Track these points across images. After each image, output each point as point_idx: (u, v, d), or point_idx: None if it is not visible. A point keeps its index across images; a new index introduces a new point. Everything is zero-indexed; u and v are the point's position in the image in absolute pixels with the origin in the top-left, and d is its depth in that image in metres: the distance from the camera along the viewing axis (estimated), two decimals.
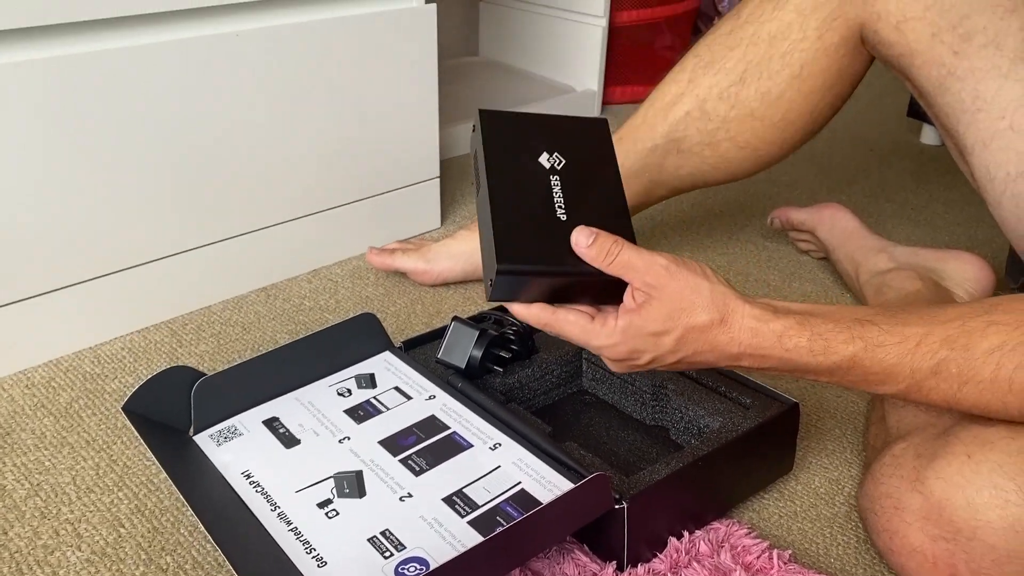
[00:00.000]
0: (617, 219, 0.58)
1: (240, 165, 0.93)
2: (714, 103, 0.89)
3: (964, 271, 0.94)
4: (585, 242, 0.55)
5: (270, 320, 0.94)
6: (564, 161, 0.60)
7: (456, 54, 1.79)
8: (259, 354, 0.72)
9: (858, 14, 0.81)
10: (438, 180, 1.14)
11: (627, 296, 0.56)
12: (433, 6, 1.03)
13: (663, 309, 0.55)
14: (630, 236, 0.57)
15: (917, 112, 1.46)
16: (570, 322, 0.57)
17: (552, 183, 0.59)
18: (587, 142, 0.62)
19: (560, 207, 0.58)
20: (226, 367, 0.70)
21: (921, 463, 0.56)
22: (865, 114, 1.70)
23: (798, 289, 1.05)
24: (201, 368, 0.69)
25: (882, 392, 0.56)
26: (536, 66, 1.72)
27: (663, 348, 0.56)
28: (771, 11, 0.85)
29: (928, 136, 1.58)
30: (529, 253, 0.55)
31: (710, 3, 2.06)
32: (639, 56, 1.72)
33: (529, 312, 0.58)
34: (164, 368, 0.67)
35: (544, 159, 0.60)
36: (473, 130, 0.62)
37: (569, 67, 1.66)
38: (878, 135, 1.61)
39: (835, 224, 1.06)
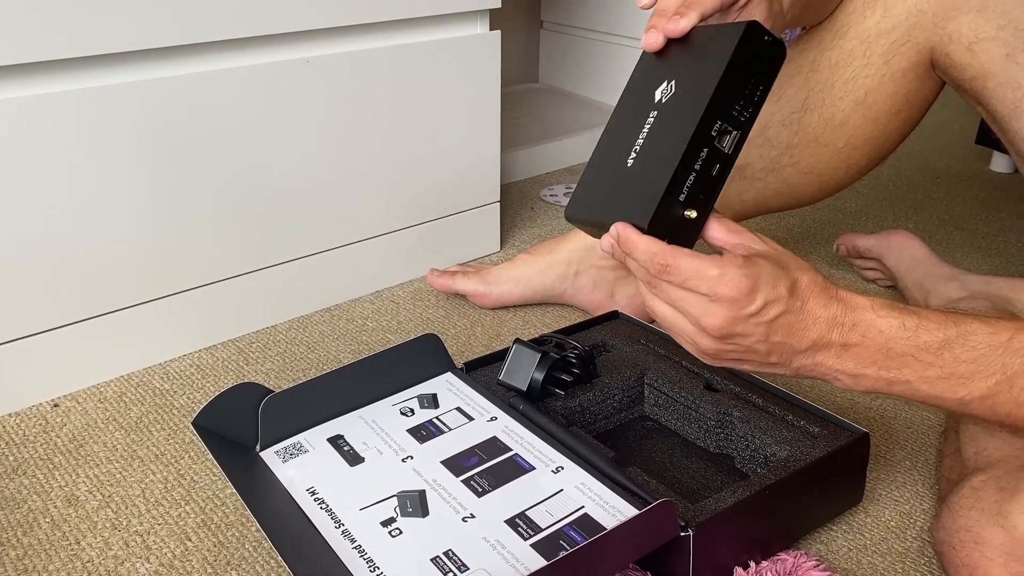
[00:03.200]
0: (658, 179, 0.50)
1: (307, 188, 0.95)
2: (776, 130, 0.88)
3: None
4: (607, 247, 0.53)
5: (334, 340, 0.95)
6: (673, 92, 0.53)
7: (516, 80, 1.81)
8: (324, 373, 0.73)
9: (928, 38, 0.80)
10: (498, 205, 1.15)
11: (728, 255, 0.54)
12: (497, 32, 1.04)
13: (770, 260, 0.53)
14: (659, 194, 0.50)
15: (987, 139, 1.43)
16: (684, 253, 0.51)
17: (648, 121, 0.53)
18: (708, 58, 0.52)
19: (635, 150, 0.52)
20: (292, 385, 0.71)
21: (1004, 496, 0.54)
22: (932, 142, 1.67)
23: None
24: (267, 386, 0.70)
25: (967, 394, 0.53)
26: (596, 92, 1.73)
27: (778, 292, 0.52)
28: (831, 39, 0.84)
29: (999, 164, 1.54)
30: (589, 201, 0.53)
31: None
32: None
33: (639, 238, 0.51)
34: (232, 385, 0.69)
35: (660, 91, 0.53)
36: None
37: None
38: (946, 163, 1.58)
39: (903, 252, 1.04)
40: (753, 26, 0.51)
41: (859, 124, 0.84)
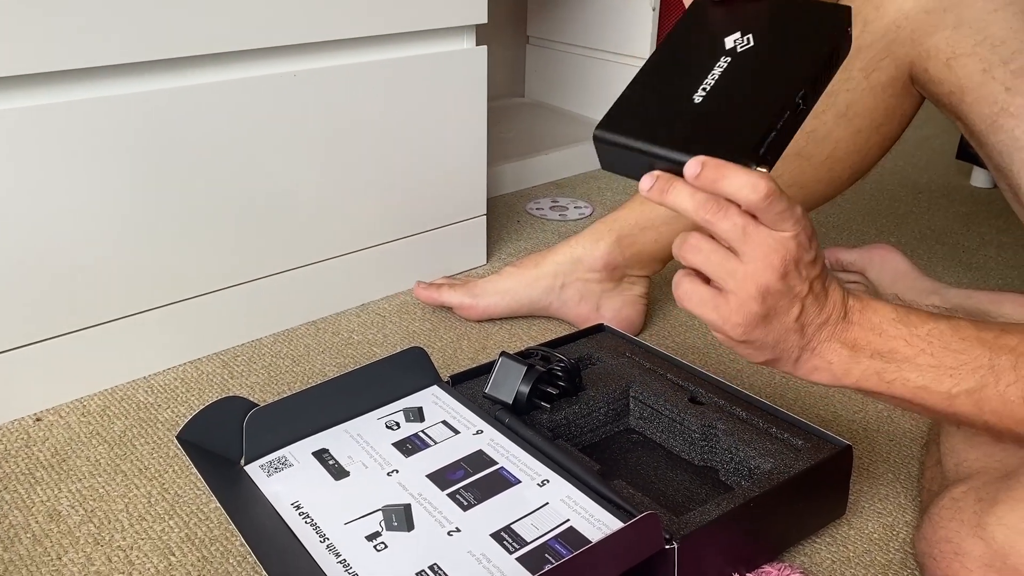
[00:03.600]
0: (753, 124, 0.50)
1: (292, 201, 0.95)
2: None
3: (1021, 315, 0.92)
4: (693, 171, 0.49)
5: (319, 353, 0.95)
6: (751, 44, 0.52)
7: (503, 95, 1.82)
8: (309, 386, 0.72)
9: (907, 53, 0.81)
10: (485, 218, 1.15)
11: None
12: (484, 48, 1.05)
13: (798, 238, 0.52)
14: (751, 148, 0.50)
15: (967, 154, 1.45)
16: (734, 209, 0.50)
17: (720, 64, 0.52)
18: (800, 30, 0.53)
19: (704, 89, 0.51)
20: (277, 399, 0.71)
21: (982, 507, 0.55)
22: (913, 157, 1.69)
23: None
24: (252, 399, 0.70)
25: (955, 385, 0.54)
26: (581, 107, 1.74)
27: (810, 255, 0.52)
28: None
29: (978, 179, 1.56)
30: (634, 126, 0.50)
31: None
32: None
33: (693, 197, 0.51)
34: (217, 398, 0.68)
35: (732, 39, 0.53)
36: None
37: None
38: (927, 178, 1.59)
39: (885, 265, 1.05)
40: (850, 14, 0.53)
41: (841, 137, 0.85)
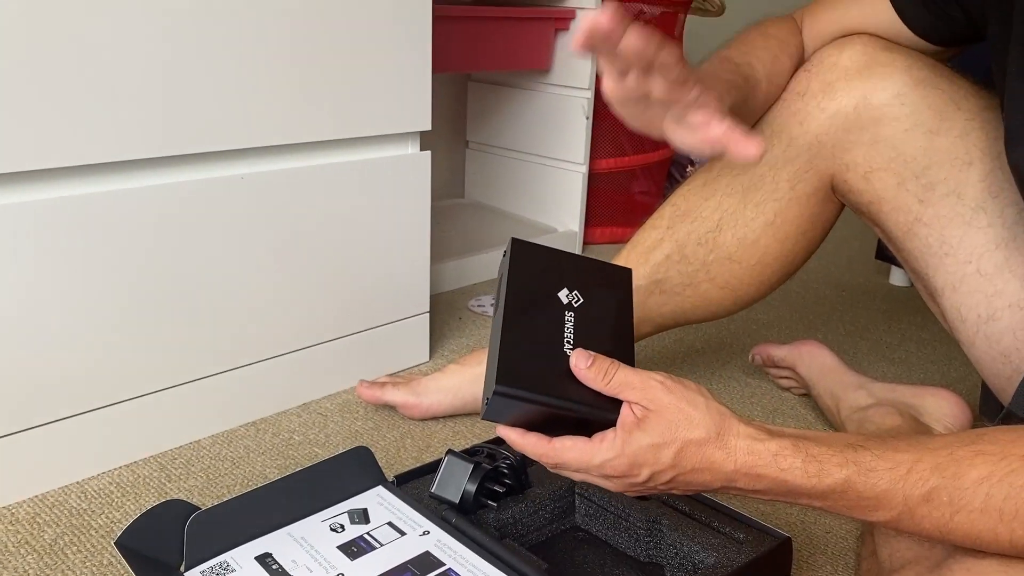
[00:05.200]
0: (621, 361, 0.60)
1: (233, 301, 0.95)
2: (693, 248, 0.93)
3: (941, 407, 0.97)
4: (584, 363, 0.57)
5: (260, 455, 0.94)
6: (582, 300, 0.63)
7: (444, 196, 1.87)
8: (251, 489, 0.71)
9: (828, 166, 0.87)
10: (428, 315, 1.17)
11: (625, 410, 0.57)
12: (428, 153, 1.09)
13: (661, 421, 0.56)
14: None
15: (885, 255, 1.53)
16: (567, 448, 0.58)
17: (566, 318, 0.61)
18: (608, 287, 0.65)
19: (568, 342, 0.60)
20: (218, 502, 0.70)
21: None
22: (836, 257, 1.78)
23: (781, 424, 1.07)
24: (192, 503, 0.69)
25: (875, 520, 0.57)
26: (520, 208, 1.79)
27: (662, 462, 0.56)
28: (743, 166, 0.90)
29: (897, 278, 1.65)
30: (528, 380, 0.57)
31: (683, 152, 2.17)
32: (617, 200, 1.80)
33: (526, 441, 0.59)
34: (154, 503, 0.67)
35: (563, 295, 0.62)
36: (504, 255, 0.64)
37: (551, 209, 1.73)
38: (850, 277, 1.68)
39: (814, 361, 1.10)
40: (630, 275, 0.67)
41: (769, 243, 0.90)
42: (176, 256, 0.88)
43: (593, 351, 0.59)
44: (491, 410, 0.57)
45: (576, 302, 0.62)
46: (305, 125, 0.95)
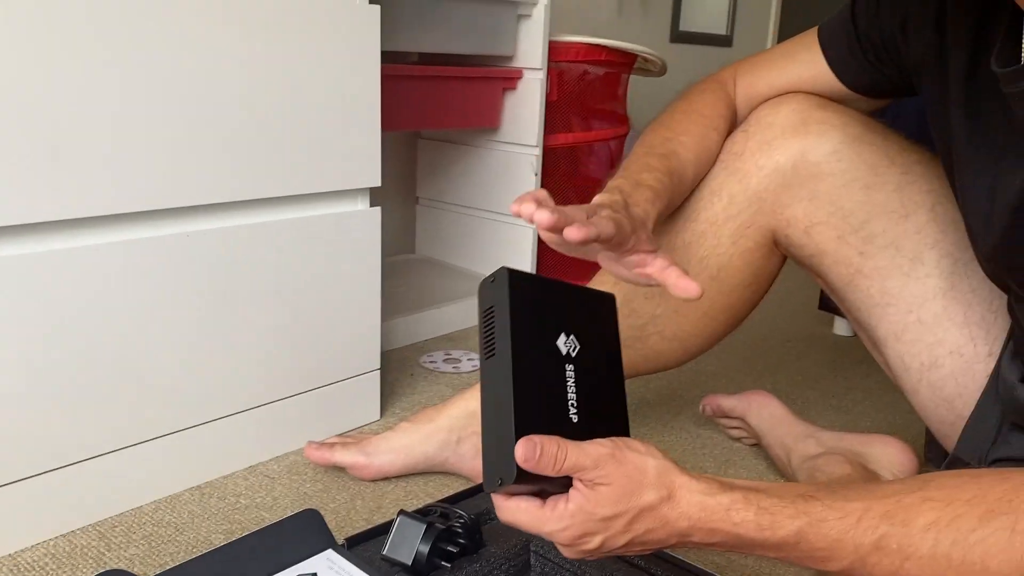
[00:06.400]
0: (616, 421, 0.61)
1: (179, 362, 0.93)
2: (640, 302, 0.94)
3: (888, 455, 0.99)
4: (533, 456, 0.54)
5: (204, 520, 0.91)
6: (579, 347, 0.60)
7: (395, 252, 1.86)
8: (195, 556, 0.69)
9: (769, 222, 0.89)
10: (378, 372, 1.16)
11: (576, 483, 0.57)
12: (378, 209, 1.09)
13: (612, 494, 0.56)
14: (626, 432, 0.61)
15: (828, 306, 1.57)
16: (521, 510, 0.57)
17: (567, 374, 0.59)
18: (597, 320, 0.63)
19: (572, 406, 0.58)
20: (160, 571, 0.67)
21: None
22: (781, 308, 1.81)
23: (733, 475, 1.07)
24: (132, 573, 0.66)
25: (829, 568, 0.57)
26: (471, 263, 1.80)
27: (614, 530, 0.56)
28: (683, 224, 0.92)
29: (840, 327, 1.68)
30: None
31: None
32: (565, 255, 1.81)
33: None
34: (93, 574, 0.64)
35: (562, 342, 0.60)
36: (491, 281, 0.59)
37: (502, 263, 1.73)
38: (795, 327, 1.71)
39: (763, 411, 1.11)
40: (614, 301, 0.66)
41: (715, 297, 0.92)
42: (119, 316, 0.86)
43: (595, 420, 0.59)
44: (503, 488, 0.56)
45: (574, 350, 0.60)
46: (254, 182, 0.95)
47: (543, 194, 0.65)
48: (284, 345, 1.03)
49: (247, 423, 1.01)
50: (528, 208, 0.62)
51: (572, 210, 0.65)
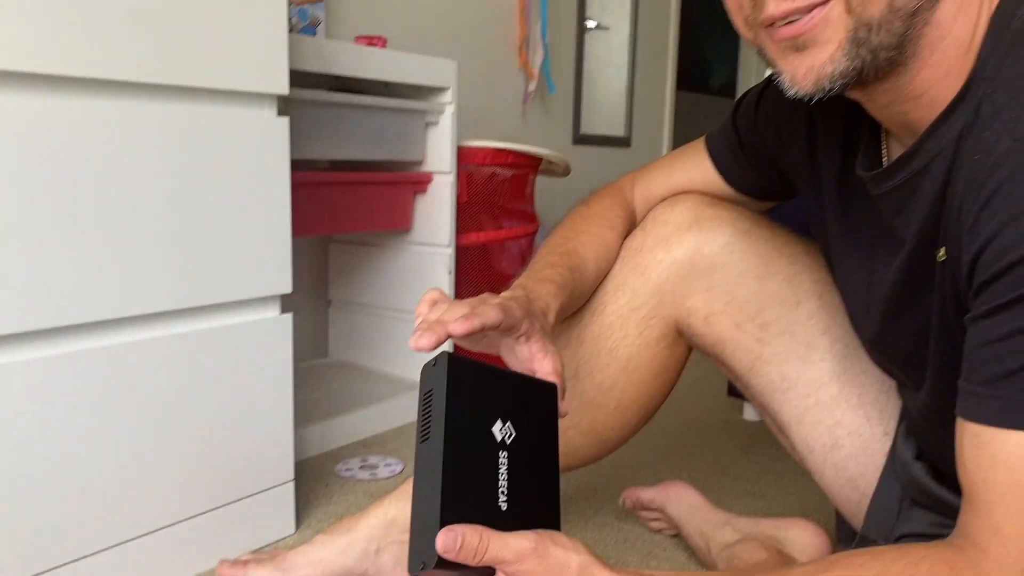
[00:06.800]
0: (547, 511, 0.61)
1: (77, 485, 0.89)
2: None
3: (802, 538, 1.01)
4: (454, 547, 0.55)
5: None
6: (514, 434, 0.61)
7: (308, 356, 1.84)
8: None
9: (671, 312, 0.93)
10: (292, 484, 1.13)
11: (499, 573, 0.57)
12: (289, 316, 1.08)
13: None
14: (556, 524, 0.61)
15: (736, 391, 1.61)
16: None
17: (500, 460, 0.59)
18: (536, 408, 0.64)
19: (503, 493, 0.59)
20: None
21: None
22: (691, 396, 1.85)
23: (656, 567, 1.08)
24: None
25: None
26: (387, 364, 1.79)
27: None
28: (590, 317, 0.95)
29: (749, 413, 1.73)
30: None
31: None
32: (484, 355, 1.82)
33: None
34: None
35: (497, 429, 0.60)
36: (433, 365, 0.60)
37: (418, 364, 1.71)
38: (706, 415, 1.75)
39: (681, 501, 1.12)
40: (555, 390, 0.67)
41: (626, 387, 0.94)
42: (22, 438, 0.82)
43: (524, 509, 0.59)
44: (424, 571, 0.55)
45: (509, 438, 0.60)
46: (164, 294, 0.94)
47: (436, 295, 0.68)
48: (196, 460, 1.00)
49: (159, 543, 0.96)
50: (424, 340, 0.62)
51: (457, 306, 0.66)
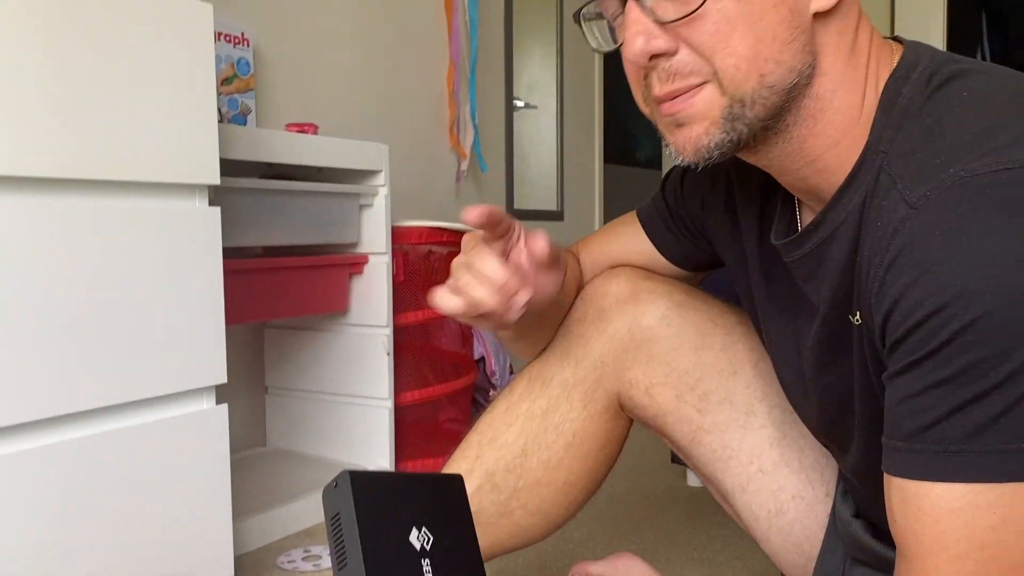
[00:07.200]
0: None
1: None
2: (502, 475, 0.95)
3: None
4: None
5: None
6: (432, 538, 0.60)
7: (245, 446, 1.79)
8: None
9: (613, 384, 0.94)
10: None
11: None
12: (224, 406, 1.06)
13: None
14: None
15: (678, 459, 1.62)
16: None
17: (424, 570, 0.58)
18: (448, 505, 0.64)
19: None
20: None
21: None
22: (635, 466, 1.86)
23: None
24: None
25: None
26: (327, 450, 1.75)
27: None
28: (540, 388, 0.95)
29: (693, 479, 1.74)
30: None
31: (484, 377, 2.25)
32: (426, 431, 1.81)
33: None
34: None
35: (414, 537, 0.59)
36: (334, 487, 0.58)
37: (360, 448, 1.70)
38: (651, 484, 1.75)
39: (630, 573, 1.11)
40: (463, 481, 0.67)
41: (573, 463, 0.94)
42: None
43: None
44: None
45: (427, 542, 0.60)
46: (91, 391, 0.91)
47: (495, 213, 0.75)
48: (131, 558, 0.95)
49: None
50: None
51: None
